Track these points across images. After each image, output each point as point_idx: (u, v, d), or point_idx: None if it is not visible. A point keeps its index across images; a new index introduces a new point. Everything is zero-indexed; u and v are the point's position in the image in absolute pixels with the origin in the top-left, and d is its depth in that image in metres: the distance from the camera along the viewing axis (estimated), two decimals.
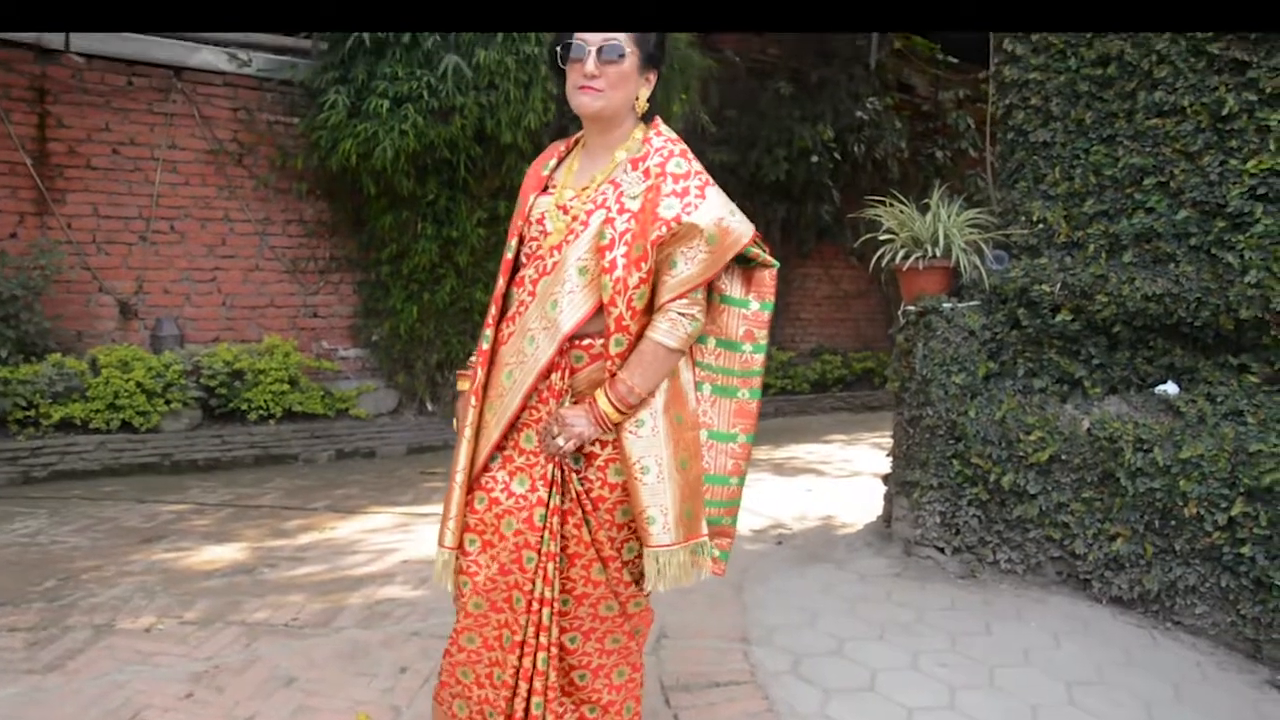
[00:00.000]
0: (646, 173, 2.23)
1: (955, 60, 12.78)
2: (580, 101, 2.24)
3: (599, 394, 2.20)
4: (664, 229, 2.17)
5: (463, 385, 2.49)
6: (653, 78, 2.32)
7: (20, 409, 6.76)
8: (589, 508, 2.28)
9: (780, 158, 10.97)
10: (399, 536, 5.33)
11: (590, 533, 2.28)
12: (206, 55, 8.00)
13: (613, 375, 2.21)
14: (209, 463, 7.38)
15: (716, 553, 2.37)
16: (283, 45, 8.57)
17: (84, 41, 7.45)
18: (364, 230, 8.58)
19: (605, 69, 2.20)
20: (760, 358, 2.42)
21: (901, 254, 4.99)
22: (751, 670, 3.54)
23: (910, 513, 4.99)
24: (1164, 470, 4.05)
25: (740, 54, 11.34)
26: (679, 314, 2.22)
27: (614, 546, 2.32)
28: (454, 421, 2.51)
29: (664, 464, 2.23)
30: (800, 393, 12.06)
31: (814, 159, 11.05)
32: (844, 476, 7.59)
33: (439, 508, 3.06)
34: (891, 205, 5.11)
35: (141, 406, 7.16)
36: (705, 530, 2.34)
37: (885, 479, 5.41)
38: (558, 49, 2.26)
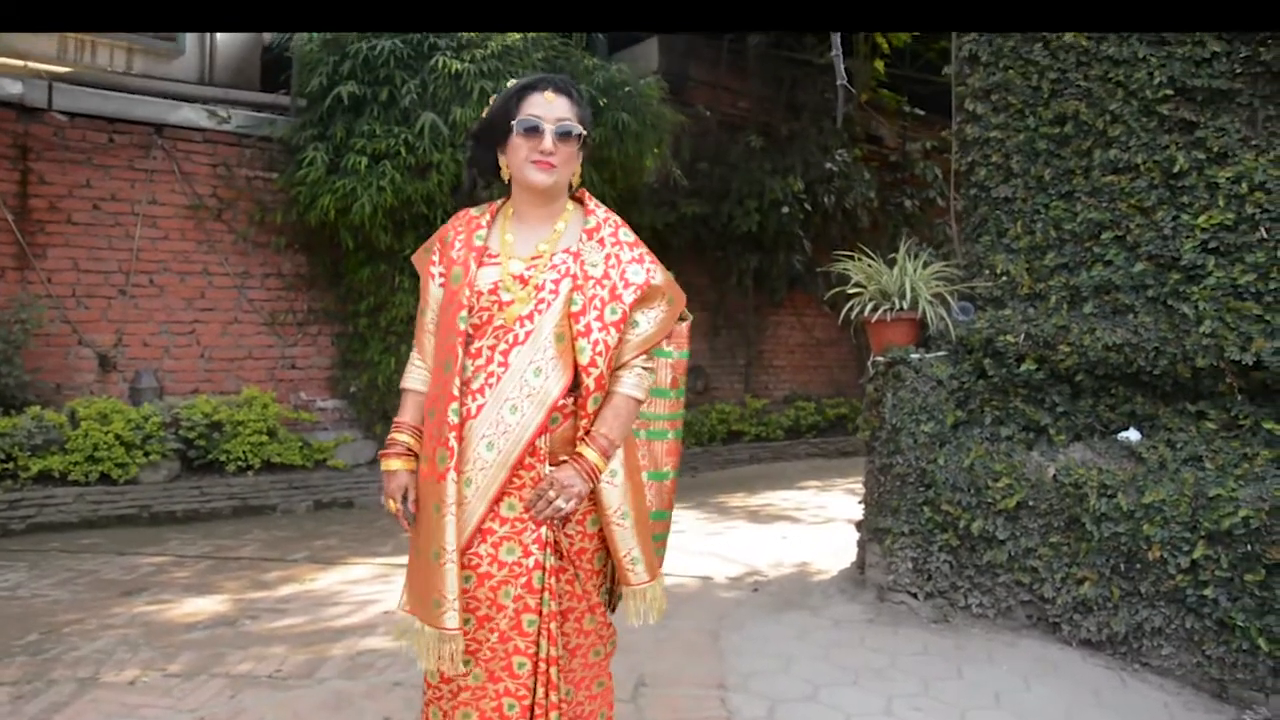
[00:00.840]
0: (601, 242, 2.38)
1: (921, 112, 13.11)
2: (536, 177, 2.33)
3: (585, 450, 2.28)
4: (638, 292, 2.33)
5: (394, 465, 2.44)
6: (583, 155, 2.46)
7: None
8: (576, 561, 2.37)
9: (752, 209, 11.17)
10: (379, 587, 5.37)
11: (581, 585, 2.37)
12: (187, 112, 8.13)
13: (588, 431, 2.30)
14: (187, 514, 7.39)
15: None
16: (261, 102, 8.75)
17: (66, 100, 7.57)
18: (342, 283, 8.69)
19: (559, 146, 2.33)
20: (681, 401, 2.63)
21: (870, 306, 5.13)
22: (729, 716, 3.61)
23: (883, 559, 5.08)
24: (1128, 515, 4.17)
25: (711, 108, 11.59)
26: (643, 369, 2.38)
27: (597, 594, 2.42)
28: (389, 501, 2.44)
29: (633, 508, 2.36)
30: (775, 439, 12.18)
31: (784, 210, 11.25)
32: (818, 523, 7.68)
33: None
34: (859, 259, 5.27)
35: (120, 458, 7.19)
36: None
37: (858, 526, 5.50)
38: (512, 123, 2.34)
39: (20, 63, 7.95)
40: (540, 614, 2.28)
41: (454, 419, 2.28)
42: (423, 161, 7.54)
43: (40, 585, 5.31)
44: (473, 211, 2.50)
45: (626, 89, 8.55)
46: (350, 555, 6.23)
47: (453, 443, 2.27)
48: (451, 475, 2.26)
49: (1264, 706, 3.79)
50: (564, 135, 2.33)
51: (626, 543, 2.34)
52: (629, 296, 2.33)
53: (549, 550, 2.30)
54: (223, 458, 7.73)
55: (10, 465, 6.84)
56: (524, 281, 2.34)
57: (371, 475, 8.57)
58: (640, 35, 11.63)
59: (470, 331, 2.35)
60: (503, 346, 2.32)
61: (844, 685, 3.96)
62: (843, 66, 5.85)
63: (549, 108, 2.33)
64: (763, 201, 11.18)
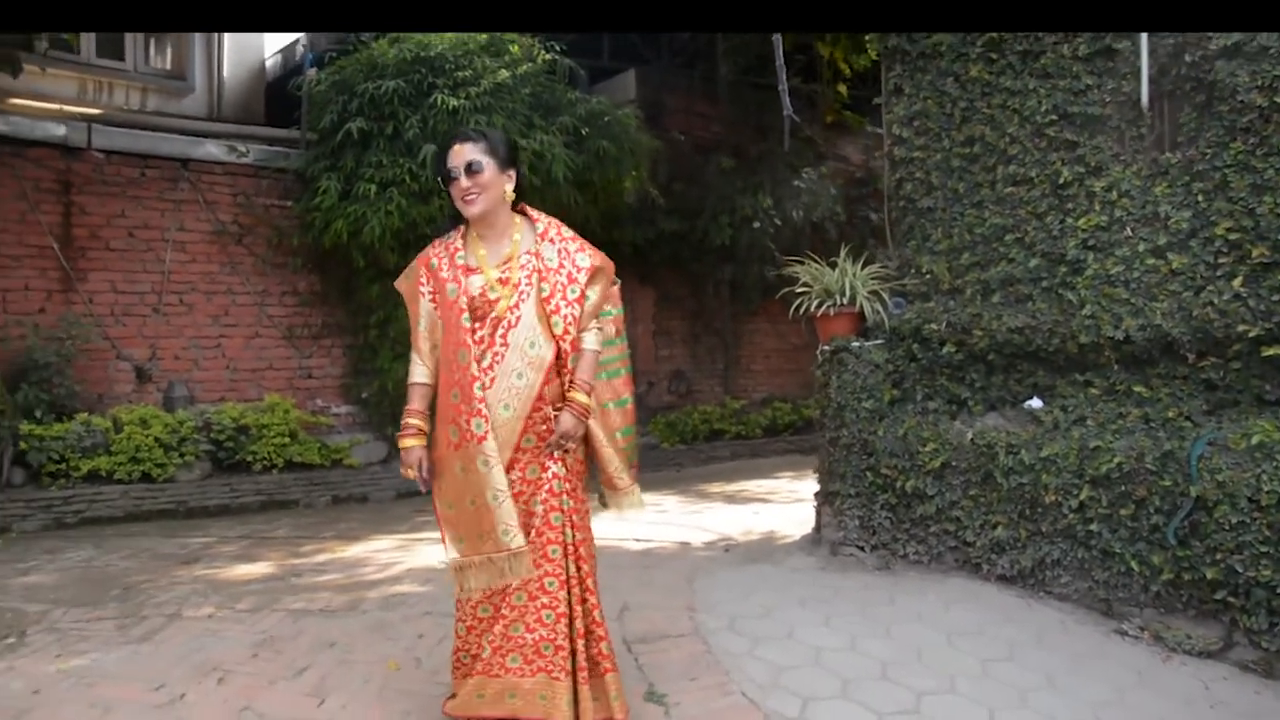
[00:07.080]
0: (551, 240, 3.24)
1: (882, 131, 13.98)
2: (467, 210, 3.14)
3: (575, 395, 3.15)
4: (588, 274, 3.22)
5: (411, 442, 3.13)
6: (513, 174, 3.23)
7: (53, 463, 7.61)
8: (574, 470, 3.23)
9: (724, 224, 12.03)
10: (401, 554, 6.20)
11: (582, 492, 3.28)
12: (210, 148, 9.01)
13: (572, 381, 3.17)
14: (219, 509, 8.20)
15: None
16: (273, 137, 9.62)
17: (103, 139, 8.44)
18: (352, 299, 9.55)
19: (474, 179, 3.10)
20: (625, 345, 3.52)
21: (816, 303, 5.99)
22: (695, 627, 4.45)
23: (834, 519, 5.91)
24: (1029, 468, 5.00)
25: (685, 133, 12.48)
26: (598, 328, 3.30)
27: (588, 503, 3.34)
28: (407, 470, 3.17)
29: (606, 435, 3.31)
30: (753, 437, 12.99)
31: (755, 224, 12.12)
32: (788, 502, 8.46)
33: (434, 534, 3.81)
34: (807, 263, 6.13)
35: (159, 459, 8.02)
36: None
37: (816, 495, 6.33)
38: (439, 178, 3.18)
39: (55, 106, 8.81)
40: (563, 511, 3.12)
41: (479, 393, 3.03)
42: (425, 188, 8.41)
43: (109, 558, 6.13)
44: (445, 240, 3.23)
45: (606, 119, 9.44)
46: (372, 533, 7.06)
47: (485, 411, 3.04)
48: (491, 436, 3.02)
49: (1138, 618, 4.61)
50: (472, 171, 3.09)
51: (612, 460, 3.28)
52: (582, 278, 3.20)
53: (561, 463, 3.16)
54: (249, 458, 8.56)
55: (63, 465, 7.67)
56: (504, 282, 3.14)
57: (384, 473, 9.40)
58: (620, 67, 12.55)
59: (474, 326, 3.12)
60: (501, 331, 3.12)
61: (792, 608, 4.79)
62: (788, 99, 6.73)
63: (458, 157, 3.11)
64: (734, 217, 12.05)
